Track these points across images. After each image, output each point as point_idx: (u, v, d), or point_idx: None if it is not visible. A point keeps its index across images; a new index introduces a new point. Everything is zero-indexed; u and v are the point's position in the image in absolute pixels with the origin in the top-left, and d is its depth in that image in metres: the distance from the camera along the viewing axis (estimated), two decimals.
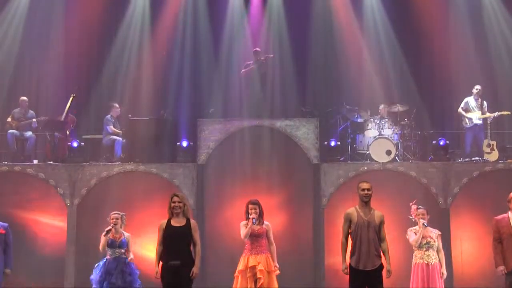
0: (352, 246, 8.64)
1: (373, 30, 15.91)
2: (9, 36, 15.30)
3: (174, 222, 8.90)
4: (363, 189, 8.75)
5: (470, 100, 14.78)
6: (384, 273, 8.62)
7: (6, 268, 10.62)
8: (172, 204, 8.94)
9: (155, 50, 15.98)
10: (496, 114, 14.62)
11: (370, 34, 15.92)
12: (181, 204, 9.12)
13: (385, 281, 8.56)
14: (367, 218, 8.61)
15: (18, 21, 15.38)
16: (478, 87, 14.73)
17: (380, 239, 8.73)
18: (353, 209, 8.77)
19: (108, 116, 14.87)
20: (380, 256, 8.69)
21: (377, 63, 15.79)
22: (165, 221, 8.96)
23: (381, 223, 8.70)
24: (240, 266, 10.20)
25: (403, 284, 11.54)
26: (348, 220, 8.70)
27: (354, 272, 8.58)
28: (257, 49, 15.45)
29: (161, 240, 8.87)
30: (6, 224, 10.83)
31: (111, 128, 14.75)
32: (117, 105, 15.08)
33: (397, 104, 14.98)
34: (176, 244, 8.80)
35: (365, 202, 8.72)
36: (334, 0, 15.97)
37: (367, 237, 8.56)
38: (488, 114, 14.61)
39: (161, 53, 15.91)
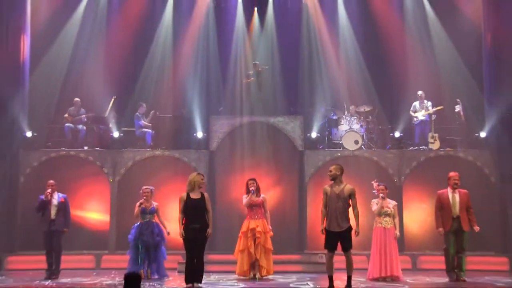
0: (327, 213, 9.29)
1: (346, 48, 16.02)
2: (63, 51, 15.47)
3: (193, 195, 9.51)
4: (328, 171, 9.62)
5: (416, 103, 15.18)
6: (353, 233, 9.24)
7: (65, 228, 11.63)
8: (201, 181, 9.69)
9: (178, 63, 16.05)
10: (432, 110, 14.94)
11: (344, 52, 16.01)
12: (204, 181, 10.01)
13: (354, 241, 9.24)
14: (338, 192, 9.20)
15: (69, 40, 15.56)
16: (420, 92, 15.16)
17: (352, 206, 9.26)
18: (328, 186, 9.40)
19: (137, 113, 15.25)
20: (348, 221, 9.22)
21: (349, 74, 15.91)
22: (185, 194, 9.53)
23: (351, 194, 9.24)
24: (243, 229, 11.12)
25: (367, 244, 11.92)
26: (325, 194, 9.32)
27: (328, 233, 9.26)
28: (256, 62, 15.76)
29: (183, 209, 9.45)
30: (65, 195, 11.85)
31: (143, 122, 15.19)
32: (143, 104, 15.38)
33: (364, 105, 15.56)
34: (195, 212, 9.42)
35: (331, 179, 9.39)
36: (316, 25, 16.14)
37: (335, 207, 9.16)
38: (428, 111, 14.98)
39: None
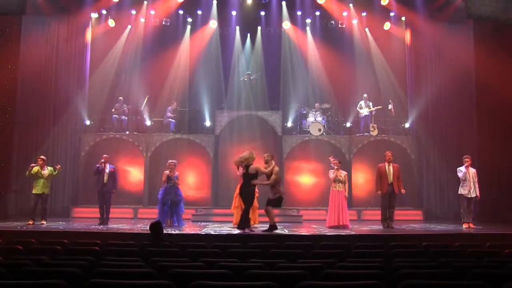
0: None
1: (312, 63, 15.65)
2: (112, 63, 15.18)
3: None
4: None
5: (362, 103, 15.00)
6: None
7: (113, 189, 11.70)
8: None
9: (193, 72, 15.60)
10: (374, 109, 14.76)
11: (311, 65, 15.66)
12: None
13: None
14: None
15: (116, 55, 15.22)
16: (365, 95, 14.99)
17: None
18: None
19: (169, 108, 14.93)
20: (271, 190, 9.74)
21: (315, 81, 15.61)
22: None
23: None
24: (237, 191, 10.92)
25: (326, 202, 11.92)
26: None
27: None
28: (248, 72, 15.37)
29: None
30: (113, 166, 11.86)
31: (169, 114, 14.88)
32: (175, 102, 15.10)
33: (325, 103, 15.28)
34: None
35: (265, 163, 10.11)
36: (291, 46, 15.73)
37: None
38: (371, 109, 14.77)
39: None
